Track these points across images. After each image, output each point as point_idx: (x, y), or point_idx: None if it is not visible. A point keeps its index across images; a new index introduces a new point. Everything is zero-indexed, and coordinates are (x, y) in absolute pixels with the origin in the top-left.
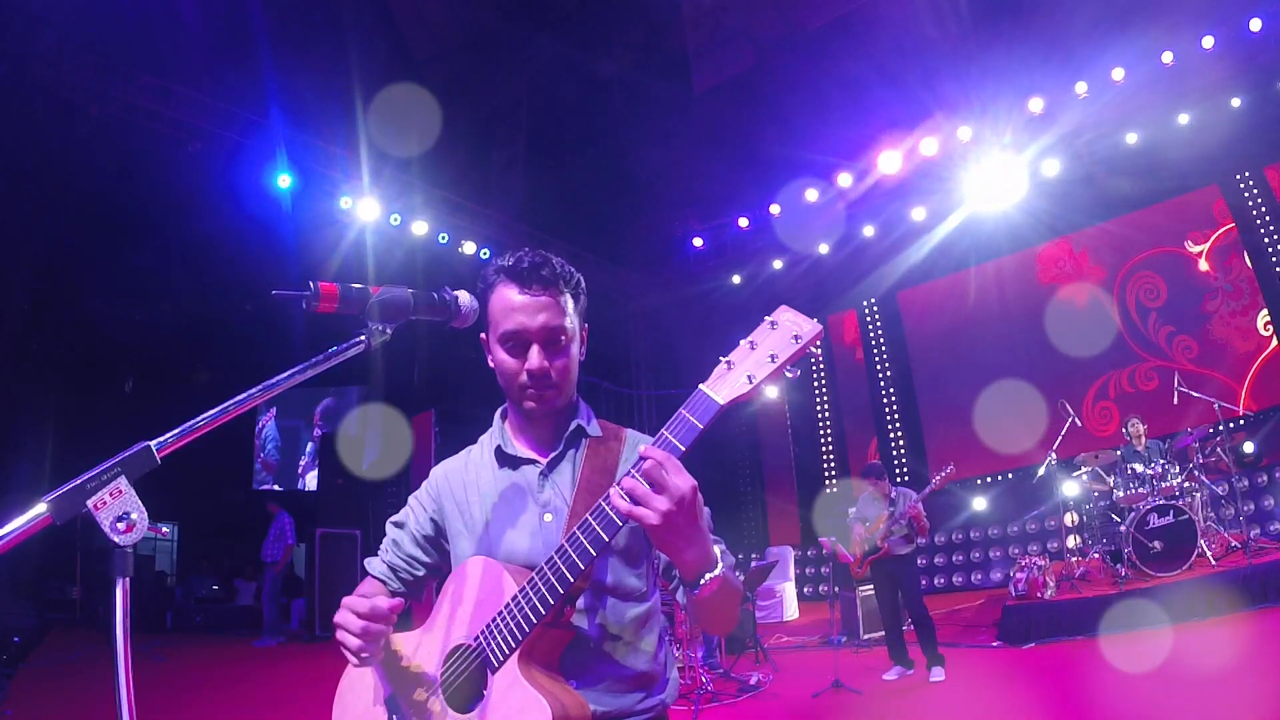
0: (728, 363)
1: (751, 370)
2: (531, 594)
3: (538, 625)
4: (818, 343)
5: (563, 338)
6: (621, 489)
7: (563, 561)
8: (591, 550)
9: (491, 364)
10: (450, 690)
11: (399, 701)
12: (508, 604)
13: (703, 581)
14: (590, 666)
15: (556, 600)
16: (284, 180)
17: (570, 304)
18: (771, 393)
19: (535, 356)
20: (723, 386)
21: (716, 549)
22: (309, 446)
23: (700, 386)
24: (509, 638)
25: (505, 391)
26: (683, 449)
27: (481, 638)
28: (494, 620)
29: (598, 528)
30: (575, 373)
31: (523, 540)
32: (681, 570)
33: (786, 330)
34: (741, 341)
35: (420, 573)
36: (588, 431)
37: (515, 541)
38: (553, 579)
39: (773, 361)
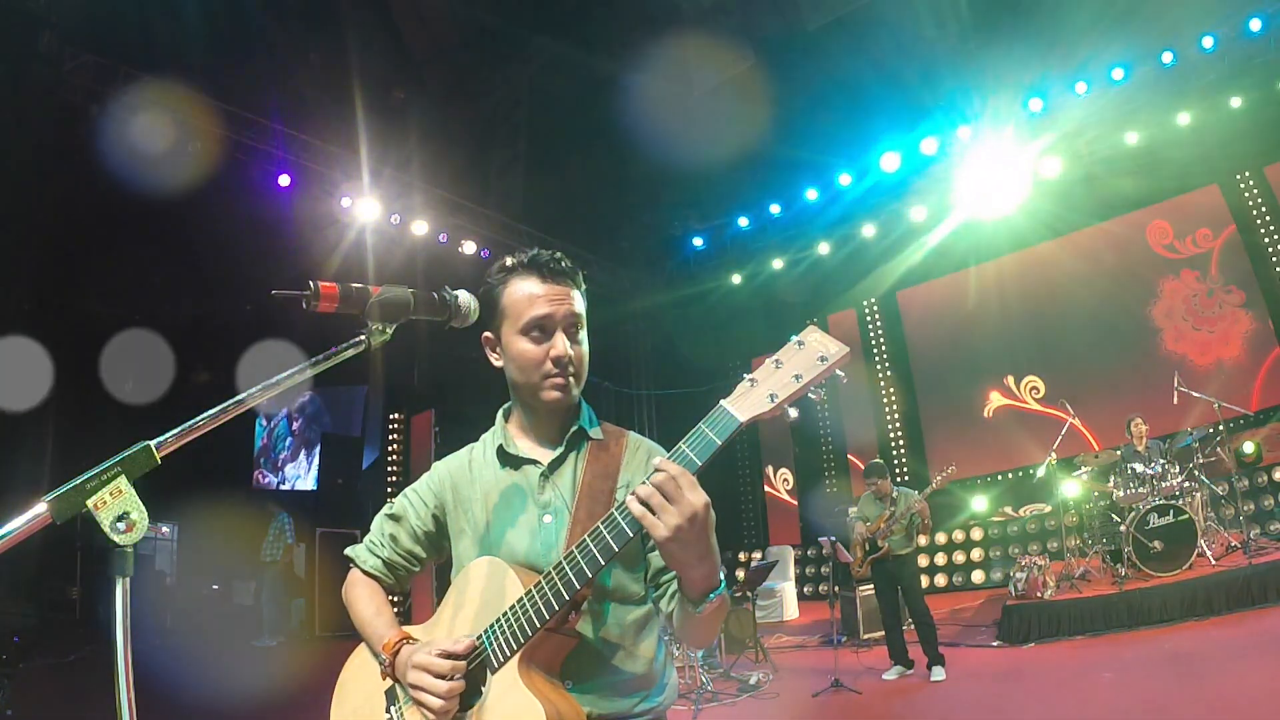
0: (751, 380)
1: (774, 389)
2: (537, 598)
3: (541, 630)
4: (843, 366)
5: (581, 328)
6: (637, 496)
7: (570, 568)
8: (601, 559)
9: (499, 362)
10: None
11: (398, 693)
12: (512, 606)
13: (708, 600)
14: (590, 669)
15: (562, 606)
16: (284, 180)
17: (582, 299)
18: (792, 412)
19: (561, 341)
20: (744, 404)
21: None
22: (287, 441)
23: (721, 402)
24: (511, 640)
25: (521, 386)
26: (699, 464)
27: (484, 637)
28: (498, 621)
29: (608, 537)
30: (587, 363)
31: (522, 541)
32: (688, 586)
33: (813, 351)
34: (767, 360)
35: (416, 569)
36: (590, 434)
37: (515, 542)
38: (560, 585)
39: (797, 381)
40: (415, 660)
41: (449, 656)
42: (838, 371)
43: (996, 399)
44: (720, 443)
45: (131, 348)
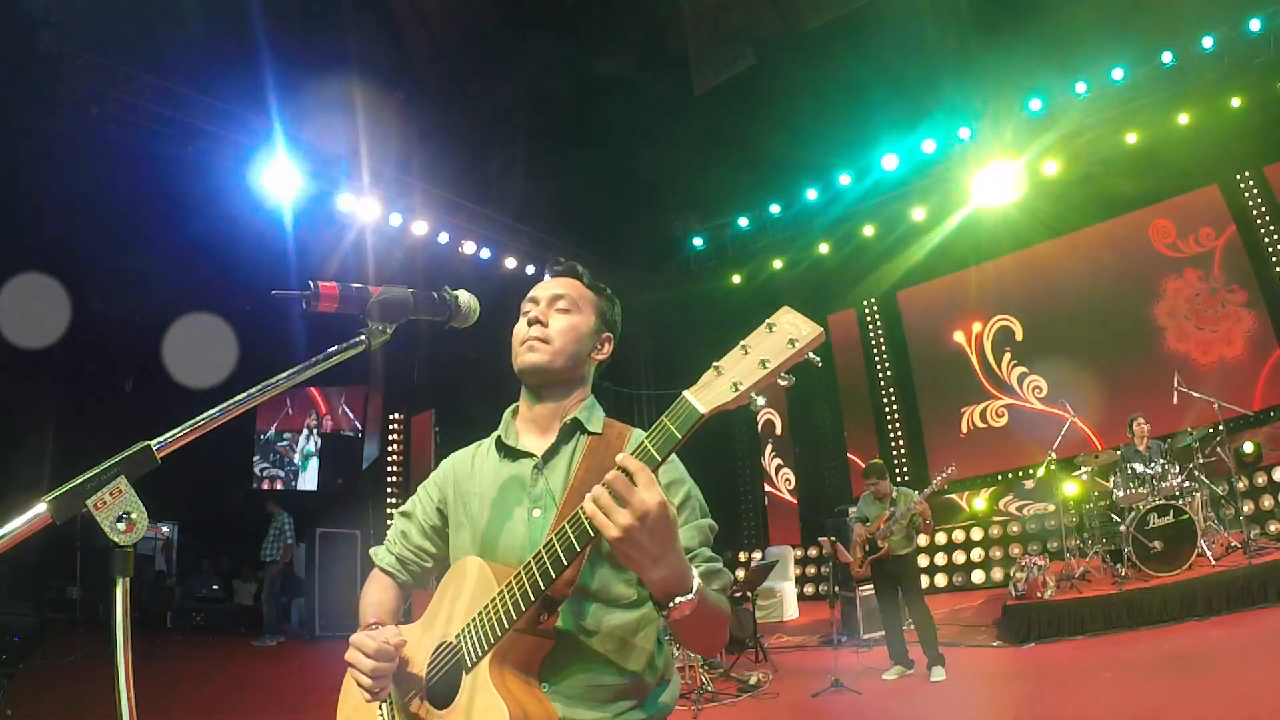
0: (717, 368)
1: (739, 377)
2: (507, 598)
3: (510, 630)
4: (816, 348)
5: (569, 304)
6: (590, 495)
7: (537, 568)
8: (564, 559)
9: None
10: (432, 686)
11: (391, 688)
12: (486, 606)
13: (671, 605)
14: (569, 672)
15: (529, 606)
16: (284, 180)
17: (591, 295)
18: (759, 400)
19: (539, 309)
20: (707, 394)
21: (701, 568)
22: (287, 440)
23: (684, 393)
24: (483, 639)
25: (514, 363)
26: (659, 459)
27: (461, 636)
28: (473, 620)
29: (572, 536)
30: (575, 343)
31: (513, 535)
32: (650, 589)
33: (783, 334)
34: (738, 345)
35: (428, 564)
36: (587, 427)
37: (507, 536)
38: (527, 584)
39: (763, 368)
40: (351, 638)
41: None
42: (811, 355)
43: (997, 399)
44: (680, 436)
45: (131, 348)
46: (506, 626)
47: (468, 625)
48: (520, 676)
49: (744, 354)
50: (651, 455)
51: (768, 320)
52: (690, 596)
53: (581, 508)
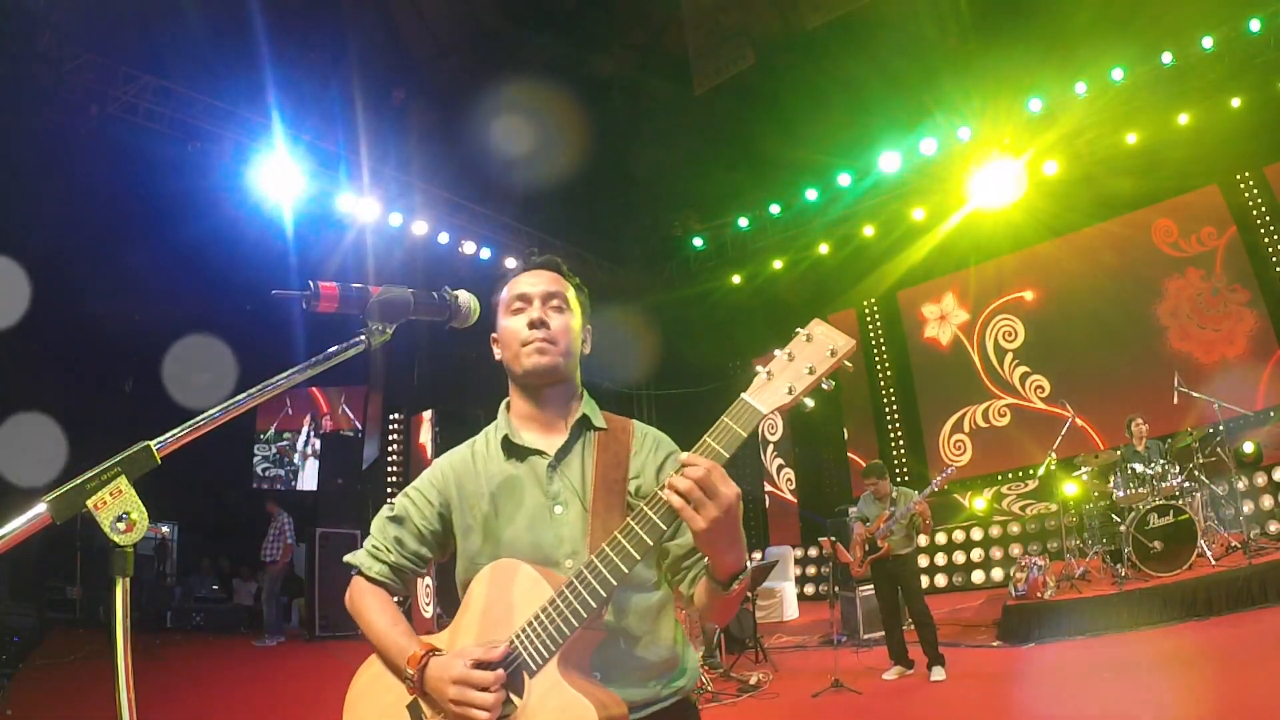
0: (767, 373)
1: (792, 382)
2: (571, 597)
3: (579, 628)
4: (850, 358)
5: (562, 302)
6: (676, 490)
7: (605, 565)
8: (636, 555)
9: (499, 353)
10: None
11: (423, 707)
12: (545, 607)
13: (736, 581)
14: (616, 660)
15: (599, 603)
16: (284, 180)
17: (572, 291)
18: (808, 402)
19: (536, 308)
20: (765, 396)
21: None
22: (287, 439)
23: (743, 395)
24: (549, 641)
25: (510, 364)
26: (726, 456)
27: (517, 641)
28: (531, 623)
29: (642, 532)
30: (574, 343)
31: (533, 534)
32: (719, 570)
33: (823, 344)
34: (778, 353)
35: (423, 570)
36: (594, 423)
37: (525, 535)
38: (594, 582)
39: (811, 374)
40: (454, 674)
41: (484, 665)
42: (846, 363)
43: (999, 399)
44: (744, 435)
45: (131, 348)
46: (575, 624)
47: (526, 627)
48: (579, 672)
49: (789, 360)
50: (719, 453)
51: (802, 331)
52: (747, 573)
53: (655, 503)
